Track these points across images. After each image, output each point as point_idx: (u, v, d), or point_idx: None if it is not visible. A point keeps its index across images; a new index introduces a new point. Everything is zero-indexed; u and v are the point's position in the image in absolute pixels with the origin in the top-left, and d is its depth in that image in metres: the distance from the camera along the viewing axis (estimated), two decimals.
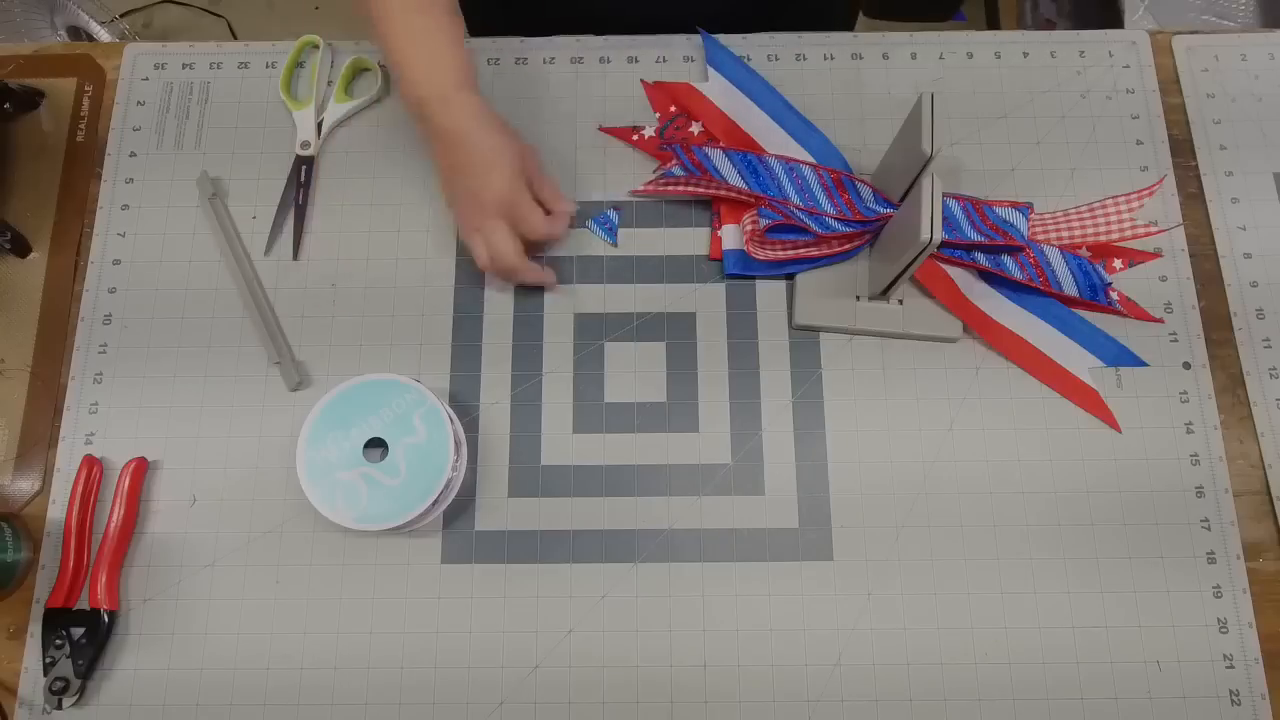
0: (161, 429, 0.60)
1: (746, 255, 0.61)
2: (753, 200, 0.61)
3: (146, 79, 0.68)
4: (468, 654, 0.56)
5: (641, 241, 0.64)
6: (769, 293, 0.62)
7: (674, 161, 0.63)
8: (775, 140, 0.64)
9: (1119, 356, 0.60)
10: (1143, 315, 0.61)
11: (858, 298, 0.60)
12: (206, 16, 1.60)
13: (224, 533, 0.58)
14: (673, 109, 0.66)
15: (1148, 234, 0.62)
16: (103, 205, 0.65)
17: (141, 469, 0.58)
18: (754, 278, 0.62)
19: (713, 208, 0.64)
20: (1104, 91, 0.67)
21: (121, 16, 1.51)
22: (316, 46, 0.68)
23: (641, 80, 0.67)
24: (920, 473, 0.58)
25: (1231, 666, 0.55)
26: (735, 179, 0.61)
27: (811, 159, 0.64)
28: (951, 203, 0.61)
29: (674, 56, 0.68)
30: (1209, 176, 0.64)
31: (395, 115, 0.67)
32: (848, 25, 0.81)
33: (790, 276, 0.62)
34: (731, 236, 0.62)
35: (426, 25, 0.55)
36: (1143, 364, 0.60)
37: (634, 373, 0.61)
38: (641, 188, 0.64)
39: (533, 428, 0.60)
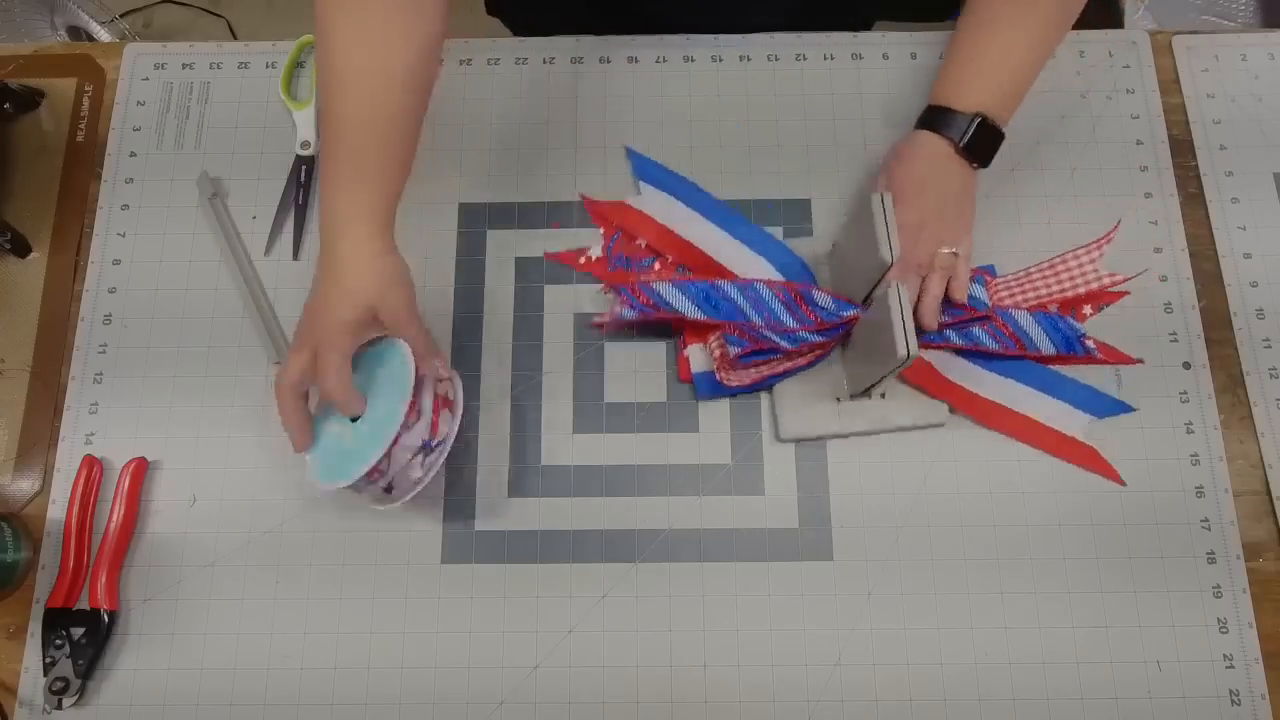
0: (161, 429, 0.60)
1: (717, 380, 0.58)
2: (714, 326, 0.58)
3: (146, 79, 0.68)
4: (468, 654, 0.56)
5: None
6: None
7: (625, 304, 0.59)
8: (726, 249, 0.61)
9: (1109, 407, 0.59)
10: (1122, 359, 0.60)
11: (838, 399, 0.58)
12: (206, 16, 1.60)
13: (224, 533, 0.58)
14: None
15: (1113, 285, 0.60)
16: (103, 205, 0.65)
17: (141, 469, 0.58)
18: (730, 397, 0.60)
19: (674, 326, 0.60)
20: (1104, 91, 0.67)
21: (121, 16, 1.51)
22: None
23: (581, 194, 0.64)
24: (920, 473, 0.58)
25: (1231, 666, 0.55)
26: (692, 310, 0.58)
27: (765, 261, 0.61)
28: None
29: (674, 57, 0.68)
30: (1209, 176, 0.64)
31: None
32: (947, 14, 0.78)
33: (768, 388, 0.60)
34: (699, 357, 0.59)
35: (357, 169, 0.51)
36: (1131, 409, 0.59)
37: (634, 373, 0.61)
38: (597, 321, 0.61)
39: (533, 428, 0.60)
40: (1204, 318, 0.61)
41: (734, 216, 0.62)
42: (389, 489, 0.52)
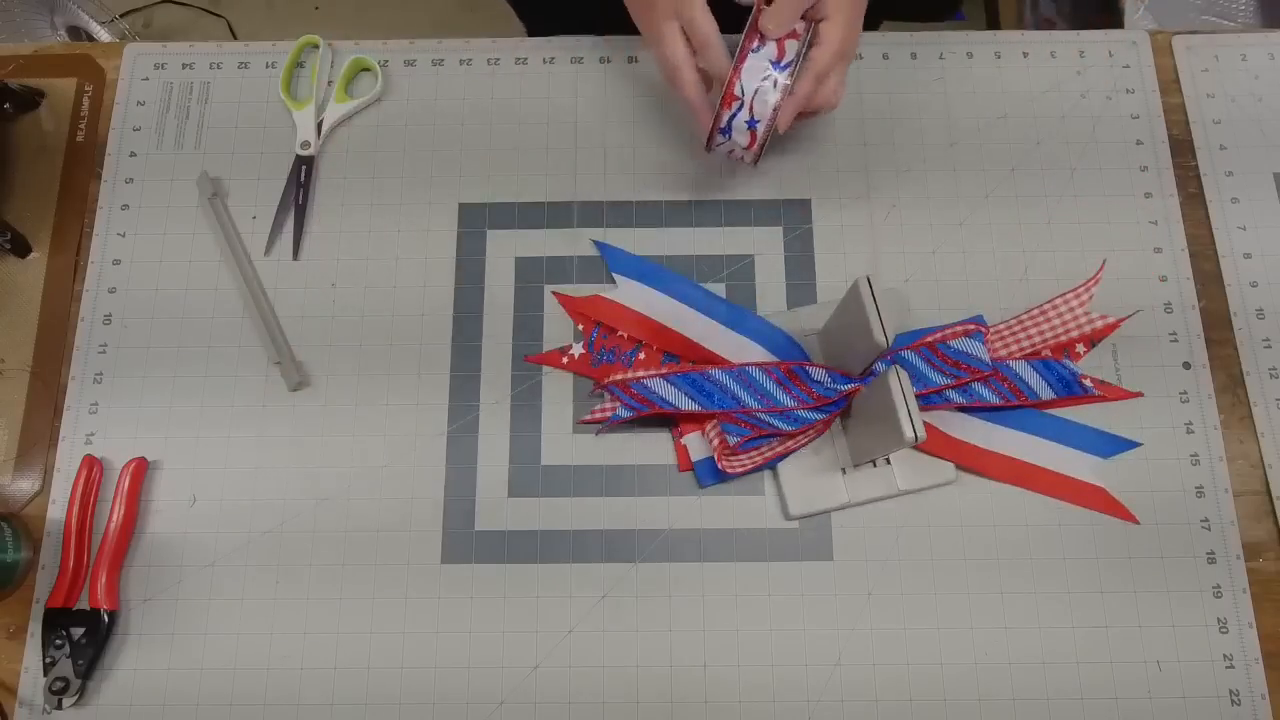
0: (161, 429, 0.60)
1: (718, 468, 0.57)
2: (710, 415, 0.58)
3: (146, 79, 0.68)
4: (468, 654, 0.56)
5: (640, 241, 0.64)
6: (767, 285, 0.62)
7: (615, 402, 0.58)
8: (710, 333, 0.60)
9: (1114, 446, 0.58)
10: (1121, 395, 0.59)
11: (843, 470, 0.58)
12: (206, 16, 1.60)
13: (224, 533, 0.58)
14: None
15: (1107, 327, 0.60)
16: (102, 205, 0.65)
17: (141, 469, 0.58)
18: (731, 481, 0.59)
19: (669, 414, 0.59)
20: (1104, 91, 0.67)
21: (121, 16, 1.51)
22: (316, 46, 0.68)
23: (553, 293, 0.62)
24: None
25: (1231, 666, 0.55)
26: (685, 403, 0.57)
27: (750, 341, 0.59)
28: (908, 353, 0.58)
29: None
30: (1209, 176, 0.64)
31: (395, 115, 0.67)
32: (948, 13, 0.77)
33: (772, 469, 0.59)
34: (697, 445, 0.58)
35: None
36: (1136, 444, 0.58)
37: None
38: (587, 419, 0.59)
39: (533, 428, 0.60)
40: (1204, 318, 0.61)
41: (714, 299, 0.61)
42: (752, 124, 0.55)
